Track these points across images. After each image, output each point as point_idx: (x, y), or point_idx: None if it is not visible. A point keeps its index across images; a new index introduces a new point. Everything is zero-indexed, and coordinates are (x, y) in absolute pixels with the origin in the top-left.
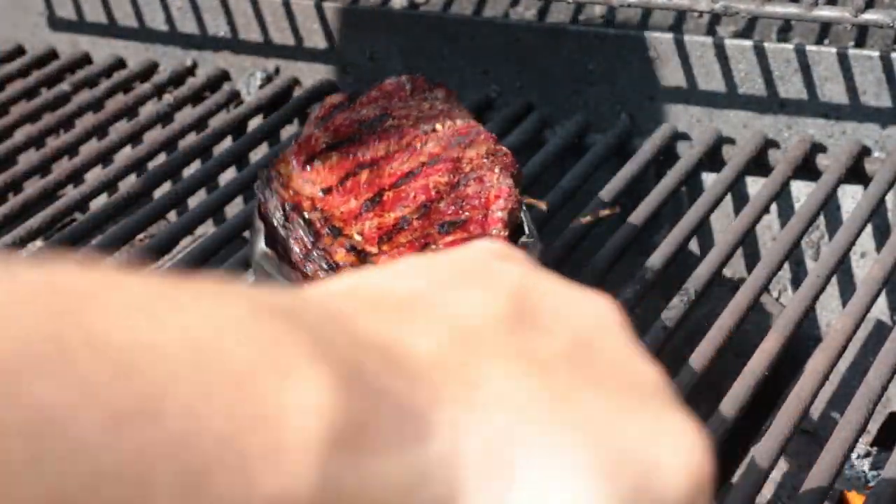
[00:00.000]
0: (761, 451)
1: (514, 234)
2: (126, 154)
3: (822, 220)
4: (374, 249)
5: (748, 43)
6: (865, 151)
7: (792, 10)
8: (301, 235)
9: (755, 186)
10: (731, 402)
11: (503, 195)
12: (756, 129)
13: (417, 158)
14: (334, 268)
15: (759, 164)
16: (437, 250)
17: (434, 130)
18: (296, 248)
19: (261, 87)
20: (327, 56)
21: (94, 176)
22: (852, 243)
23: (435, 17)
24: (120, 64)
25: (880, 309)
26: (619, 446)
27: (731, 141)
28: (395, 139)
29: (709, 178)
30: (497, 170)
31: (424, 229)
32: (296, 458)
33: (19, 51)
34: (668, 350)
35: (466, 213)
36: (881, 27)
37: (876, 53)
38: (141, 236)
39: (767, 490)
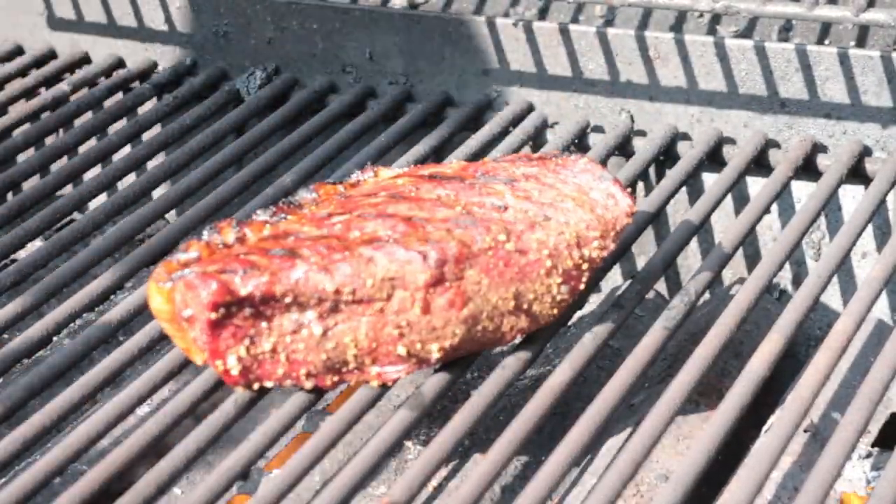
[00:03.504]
0: (761, 451)
1: None
2: (125, 154)
3: (822, 220)
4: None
5: (749, 43)
6: (866, 151)
7: (793, 9)
8: None
9: (755, 186)
10: (731, 402)
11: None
12: (756, 129)
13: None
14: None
15: (759, 164)
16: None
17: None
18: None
19: (261, 87)
20: (327, 56)
21: (94, 176)
22: (853, 243)
23: (435, 17)
24: (119, 64)
25: (881, 309)
26: None
27: (732, 141)
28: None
29: (709, 178)
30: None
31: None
32: None
33: (19, 51)
34: (669, 350)
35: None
36: (882, 27)
37: (877, 53)
38: (140, 236)
39: (767, 490)
